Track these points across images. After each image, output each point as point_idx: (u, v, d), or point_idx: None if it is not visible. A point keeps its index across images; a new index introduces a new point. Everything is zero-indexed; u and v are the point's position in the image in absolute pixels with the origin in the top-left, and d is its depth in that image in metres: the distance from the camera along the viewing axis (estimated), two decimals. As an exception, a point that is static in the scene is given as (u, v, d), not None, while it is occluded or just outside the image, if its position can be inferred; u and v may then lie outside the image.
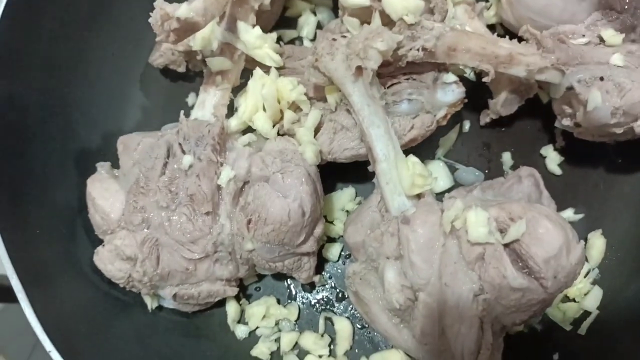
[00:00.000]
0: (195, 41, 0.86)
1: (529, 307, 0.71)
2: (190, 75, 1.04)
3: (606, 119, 0.78)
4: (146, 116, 1.03)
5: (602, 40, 0.86)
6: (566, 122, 0.86)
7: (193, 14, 0.69)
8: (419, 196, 0.77)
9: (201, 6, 0.70)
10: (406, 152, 0.81)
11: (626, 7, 0.87)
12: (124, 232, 0.81)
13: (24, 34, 0.88)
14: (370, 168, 0.79)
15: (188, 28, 0.70)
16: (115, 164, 0.88)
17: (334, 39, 0.77)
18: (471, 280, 0.71)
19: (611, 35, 0.85)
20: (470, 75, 0.98)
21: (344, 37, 0.77)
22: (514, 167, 0.96)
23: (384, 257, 0.76)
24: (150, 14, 0.74)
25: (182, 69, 1.00)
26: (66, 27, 0.94)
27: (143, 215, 0.80)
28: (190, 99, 1.04)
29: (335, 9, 1.02)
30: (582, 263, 0.72)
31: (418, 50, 0.78)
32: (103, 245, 0.82)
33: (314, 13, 1.07)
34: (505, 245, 0.70)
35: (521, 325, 0.85)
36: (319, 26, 1.07)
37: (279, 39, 1.02)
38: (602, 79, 0.79)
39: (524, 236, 0.69)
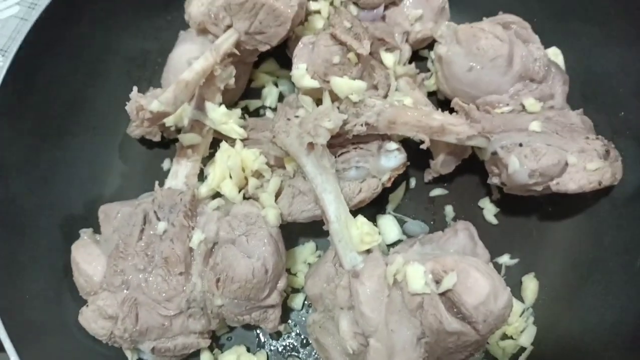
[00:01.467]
0: (168, 119, 0.96)
1: (465, 347, 0.78)
2: (165, 143, 1.12)
3: (525, 180, 0.90)
4: (125, 181, 1.11)
5: (524, 108, 0.99)
6: (495, 180, 0.97)
7: (164, 107, 0.79)
8: (368, 251, 0.85)
9: (171, 96, 0.80)
10: (357, 211, 0.91)
11: (543, 78, 1.01)
12: (106, 293, 0.88)
13: (13, 115, 0.97)
14: (324, 227, 0.88)
15: (160, 116, 0.80)
16: (97, 229, 0.95)
17: (289, 119, 0.88)
18: (414, 325, 0.79)
19: (531, 103, 0.98)
20: (415, 137, 1.09)
21: (297, 117, 0.88)
22: (456, 219, 1.06)
23: (338, 308, 0.84)
24: (127, 102, 0.85)
25: (157, 139, 1.09)
26: (51, 107, 1.03)
27: (123, 277, 0.87)
28: (165, 164, 1.12)
29: (293, 81, 1.14)
30: (510, 307, 0.79)
31: (362, 125, 0.89)
32: (87, 306, 0.88)
33: (276, 85, 1.18)
34: (441, 295, 0.77)
35: (464, 363, 0.94)
36: (282, 95, 1.17)
37: (245, 110, 1.13)
38: (521, 144, 0.91)
39: (456, 286, 0.76)
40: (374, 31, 1.03)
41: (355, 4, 1.09)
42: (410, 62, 1.11)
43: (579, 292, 0.98)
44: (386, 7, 1.10)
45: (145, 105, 0.78)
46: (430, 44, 1.15)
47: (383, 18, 1.10)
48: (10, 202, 0.95)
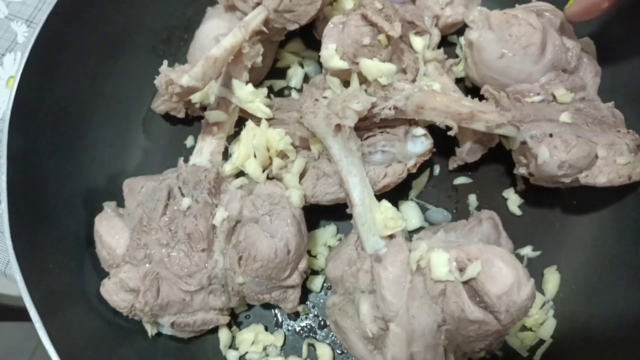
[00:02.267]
0: (195, 95, 0.95)
1: (486, 337, 0.78)
2: (189, 120, 1.12)
3: (554, 171, 0.88)
4: (148, 157, 1.11)
5: (554, 98, 0.97)
6: (522, 170, 0.96)
7: (194, 82, 0.78)
8: (391, 237, 0.85)
9: (200, 71, 0.80)
10: (380, 196, 0.90)
11: (575, 68, 0.99)
12: (128, 266, 0.89)
13: (39, 88, 0.97)
14: (348, 211, 0.88)
15: (189, 91, 0.80)
16: (121, 203, 0.96)
17: (316, 100, 0.87)
18: (435, 312, 0.79)
19: (562, 94, 0.96)
20: (441, 125, 1.08)
21: (325, 97, 0.87)
22: (479, 208, 1.05)
23: (359, 291, 0.85)
24: (152, 75, 0.84)
25: (181, 115, 1.09)
26: (76, 79, 1.03)
27: (145, 251, 0.88)
28: (188, 142, 1.12)
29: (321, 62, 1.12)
30: (533, 298, 0.78)
31: (390, 109, 0.88)
32: (109, 278, 0.89)
33: (302, 65, 1.17)
34: (464, 283, 0.77)
35: (482, 352, 0.94)
36: (307, 77, 1.16)
37: (269, 90, 1.12)
38: (551, 135, 0.89)
39: (480, 275, 0.76)
40: (403, 14, 1.01)
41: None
42: (439, 48, 1.09)
43: (601, 287, 0.97)
44: (418, -11, 1.08)
45: (175, 79, 0.77)
46: (459, 29, 1.13)
47: (413, 1, 1.08)
48: (35, 174, 0.95)
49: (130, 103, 1.12)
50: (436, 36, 1.09)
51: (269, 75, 1.15)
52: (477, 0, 1.12)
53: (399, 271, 0.81)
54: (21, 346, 1.91)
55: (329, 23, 0.95)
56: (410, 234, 1.01)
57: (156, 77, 0.85)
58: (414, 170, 0.95)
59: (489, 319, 0.76)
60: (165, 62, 0.84)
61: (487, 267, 0.77)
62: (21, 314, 0.84)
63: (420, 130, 0.93)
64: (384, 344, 0.82)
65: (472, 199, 1.06)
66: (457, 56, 1.15)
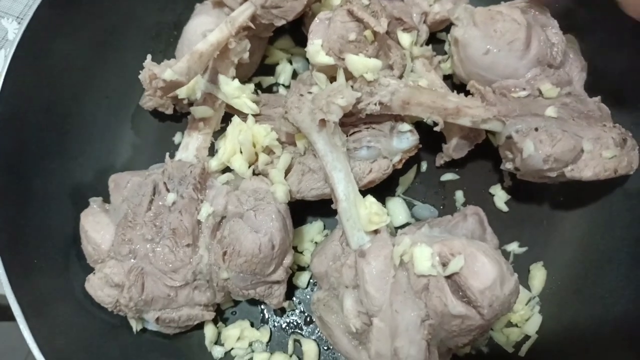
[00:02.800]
0: (181, 91, 0.96)
1: (469, 332, 0.78)
2: (177, 116, 1.12)
3: (539, 165, 0.88)
4: (136, 153, 1.12)
5: (540, 93, 0.97)
6: (509, 165, 0.96)
7: (177, 76, 0.78)
8: (375, 232, 0.85)
9: (185, 66, 0.80)
10: (367, 192, 0.91)
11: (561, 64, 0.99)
12: (113, 261, 0.88)
13: (27, 83, 0.97)
14: (333, 206, 0.88)
15: (173, 86, 0.80)
16: (107, 199, 0.96)
17: (302, 95, 0.87)
18: (418, 307, 0.78)
19: (548, 88, 0.96)
20: (428, 120, 1.08)
21: (310, 93, 0.87)
22: (466, 204, 1.05)
23: (343, 286, 0.85)
24: (140, 71, 0.84)
25: (169, 111, 1.09)
26: (65, 75, 1.03)
27: (130, 246, 0.88)
28: (177, 138, 1.12)
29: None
30: (516, 294, 0.79)
31: (375, 104, 0.88)
32: (94, 273, 0.89)
33: (290, 62, 1.17)
34: (447, 277, 0.77)
35: (466, 348, 0.94)
36: (296, 74, 1.16)
37: (258, 86, 1.12)
38: (536, 129, 0.89)
39: (463, 269, 0.75)
40: (392, 10, 1.01)
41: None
42: (427, 44, 1.09)
43: (587, 283, 0.97)
44: (405, -14, 1.08)
45: (158, 73, 0.77)
46: (448, 26, 1.13)
47: None
48: (22, 169, 0.95)
49: (118, 99, 1.12)
50: (424, 33, 1.10)
51: (258, 71, 1.14)
52: None
53: (382, 266, 0.81)
54: (16, 346, 1.91)
55: (316, 19, 0.95)
56: (397, 230, 1.01)
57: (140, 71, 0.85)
58: (400, 166, 0.95)
59: (472, 314, 0.76)
60: (149, 56, 0.84)
61: (470, 261, 0.76)
62: (11, 313, 0.84)
63: (406, 126, 0.93)
64: (368, 339, 0.82)
65: (459, 195, 1.07)
66: (446, 53, 1.15)
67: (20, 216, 0.92)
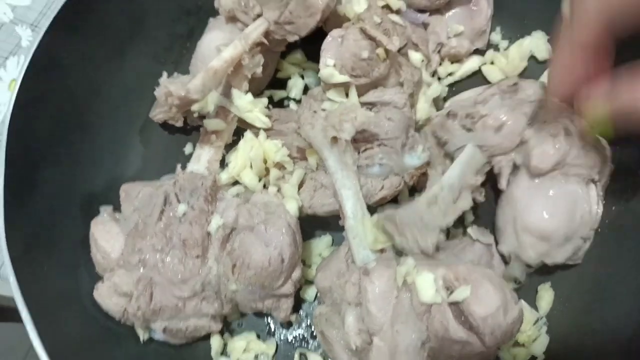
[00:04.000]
0: (194, 105, 0.97)
1: (469, 357, 0.77)
2: (187, 129, 1.11)
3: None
4: (146, 164, 1.12)
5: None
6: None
7: (192, 94, 0.79)
8: (382, 251, 0.86)
9: (200, 84, 0.81)
10: (375, 209, 0.91)
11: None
12: (122, 270, 0.89)
13: (40, 91, 0.97)
14: (341, 222, 0.89)
15: (188, 103, 0.81)
16: (117, 208, 0.96)
17: (315, 111, 0.88)
18: (419, 329, 0.77)
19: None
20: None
21: (323, 110, 0.88)
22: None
23: (345, 303, 0.84)
24: (151, 83, 0.85)
25: (179, 124, 1.07)
26: (77, 84, 1.03)
27: (140, 256, 0.88)
28: (187, 149, 1.12)
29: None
30: (520, 323, 0.77)
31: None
32: (102, 282, 0.90)
33: (302, 77, 1.17)
34: (450, 302, 0.76)
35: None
36: (307, 88, 1.17)
37: (270, 100, 1.13)
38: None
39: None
40: (411, 34, 1.02)
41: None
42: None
43: (595, 305, 0.96)
44: (431, 13, 1.09)
45: (174, 92, 0.78)
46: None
47: (425, 26, 1.09)
48: (33, 177, 0.96)
49: (130, 109, 1.12)
50: (435, 63, 1.11)
51: (270, 85, 1.15)
52: (483, 39, 1.14)
53: (385, 286, 0.80)
54: (15, 347, 1.91)
55: (328, 36, 0.96)
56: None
57: (156, 87, 0.85)
58: (411, 183, 0.95)
59: (473, 340, 0.75)
60: (165, 74, 0.85)
61: (475, 288, 0.76)
62: (15, 315, 0.85)
63: (418, 144, 0.93)
64: (367, 358, 0.81)
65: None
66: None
67: (31, 223, 0.92)
